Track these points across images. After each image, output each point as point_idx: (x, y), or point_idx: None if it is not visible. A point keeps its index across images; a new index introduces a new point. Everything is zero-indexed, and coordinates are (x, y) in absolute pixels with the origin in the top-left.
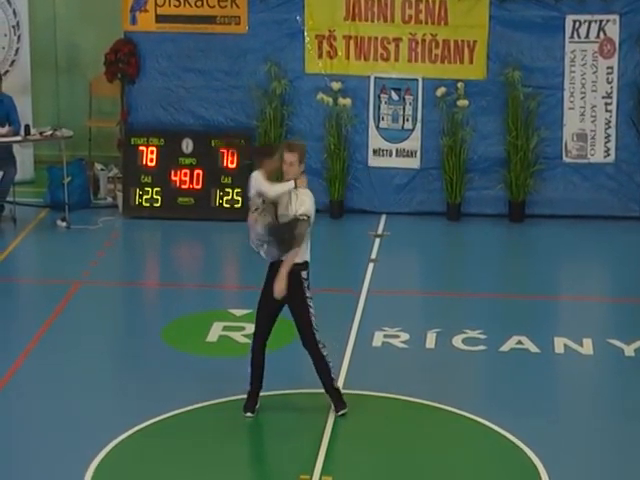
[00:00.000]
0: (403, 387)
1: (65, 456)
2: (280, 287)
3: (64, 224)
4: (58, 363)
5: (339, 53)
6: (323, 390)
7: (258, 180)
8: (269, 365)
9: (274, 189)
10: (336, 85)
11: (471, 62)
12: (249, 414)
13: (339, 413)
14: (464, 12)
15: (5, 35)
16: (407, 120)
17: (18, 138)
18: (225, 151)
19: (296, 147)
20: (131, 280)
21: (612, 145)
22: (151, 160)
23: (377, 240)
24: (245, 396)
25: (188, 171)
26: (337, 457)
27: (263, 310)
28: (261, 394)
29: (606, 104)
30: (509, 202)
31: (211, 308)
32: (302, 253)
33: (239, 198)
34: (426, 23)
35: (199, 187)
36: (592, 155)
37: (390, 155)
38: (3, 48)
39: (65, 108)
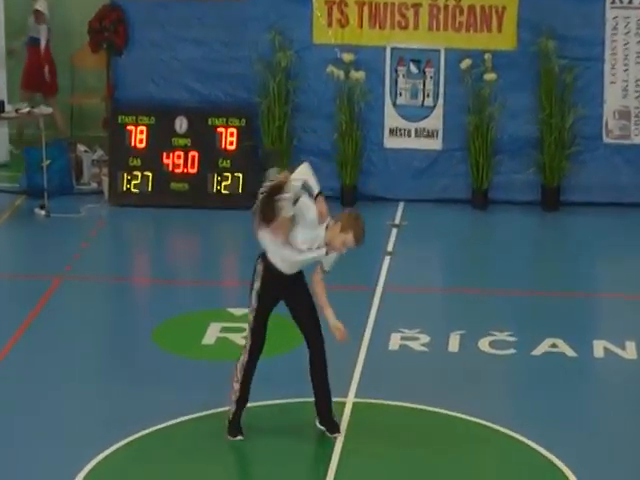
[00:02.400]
0: (423, 395)
1: (46, 471)
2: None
3: (43, 212)
4: (37, 368)
5: (351, 21)
6: (315, 410)
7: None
8: (272, 371)
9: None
10: (348, 57)
11: (500, 31)
12: (239, 437)
13: (334, 435)
14: None
15: None
16: (428, 96)
17: None
18: (223, 131)
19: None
20: (119, 275)
21: None
22: (140, 141)
23: (394, 230)
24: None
25: (182, 153)
26: (349, 473)
27: (264, 316)
28: (263, 403)
29: None
30: (542, 188)
31: (208, 307)
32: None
33: (239, 183)
34: None
35: (194, 171)
36: (636, 135)
37: (408, 135)
38: None
39: None
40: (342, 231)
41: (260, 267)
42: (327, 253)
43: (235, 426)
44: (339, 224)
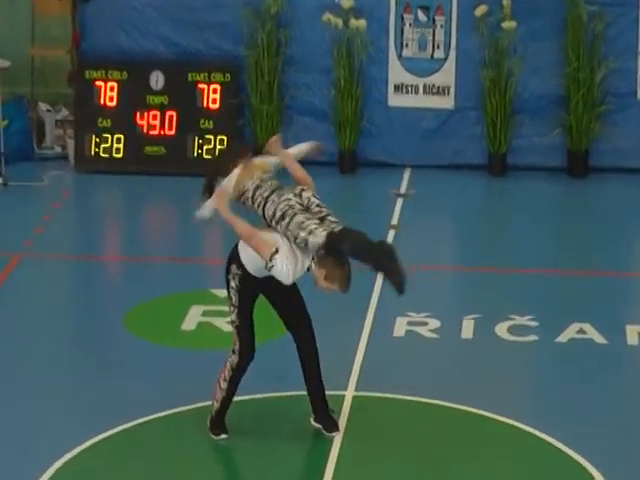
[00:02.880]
0: (431, 388)
1: (6, 473)
2: None
3: (0, 180)
4: None
5: None
6: (310, 405)
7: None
8: (260, 361)
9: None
10: (347, 2)
11: None
12: (224, 436)
13: (333, 434)
14: None
15: None
16: (438, 47)
17: None
18: (205, 87)
19: None
20: (86, 252)
21: None
22: (111, 99)
23: (399, 201)
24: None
25: (158, 113)
26: (348, 476)
27: (249, 311)
28: (250, 397)
29: None
30: (568, 152)
31: (188, 288)
32: None
33: (222, 147)
34: None
35: (172, 133)
36: None
37: (416, 92)
38: None
39: (1, 31)
40: (326, 280)
41: (235, 269)
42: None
43: (218, 424)
44: (322, 272)
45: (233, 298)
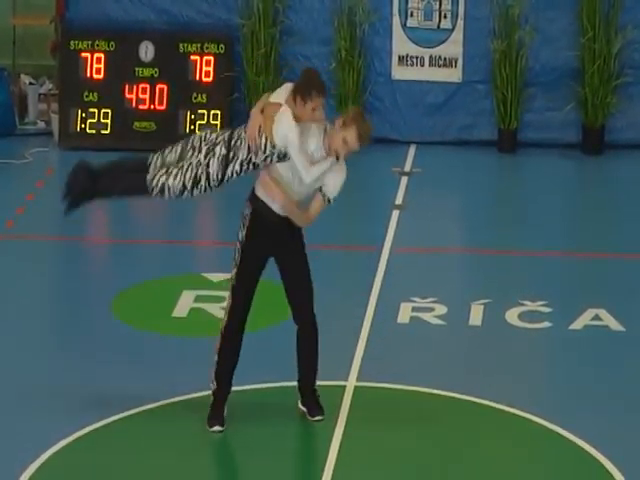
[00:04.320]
0: (437, 378)
1: None
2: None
3: None
4: None
5: None
6: (297, 388)
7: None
8: (254, 349)
9: (313, 171)
10: None
11: None
12: (217, 428)
13: (315, 419)
14: None
15: None
16: (445, 17)
17: None
18: (198, 59)
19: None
20: (71, 233)
21: None
22: (98, 71)
23: (404, 179)
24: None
25: (148, 86)
26: (349, 469)
27: (250, 275)
28: (244, 388)
29: None
30: (583, 127)
31: (179, 271)
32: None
33: (217, 122)
34: None
35: (162, 108)
36: None
37: (422, 64)
38: None
39: None
40: (343, 126)
41: (247, 211)
42: (337, 157)
43: (215, 412)
44: (341, 119)
45: (236, 255)
